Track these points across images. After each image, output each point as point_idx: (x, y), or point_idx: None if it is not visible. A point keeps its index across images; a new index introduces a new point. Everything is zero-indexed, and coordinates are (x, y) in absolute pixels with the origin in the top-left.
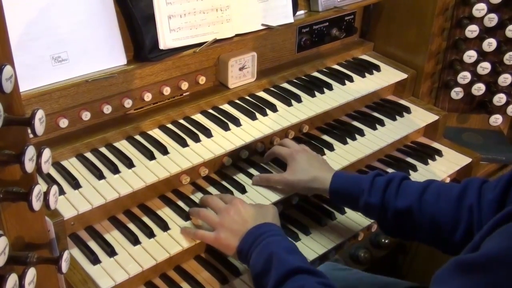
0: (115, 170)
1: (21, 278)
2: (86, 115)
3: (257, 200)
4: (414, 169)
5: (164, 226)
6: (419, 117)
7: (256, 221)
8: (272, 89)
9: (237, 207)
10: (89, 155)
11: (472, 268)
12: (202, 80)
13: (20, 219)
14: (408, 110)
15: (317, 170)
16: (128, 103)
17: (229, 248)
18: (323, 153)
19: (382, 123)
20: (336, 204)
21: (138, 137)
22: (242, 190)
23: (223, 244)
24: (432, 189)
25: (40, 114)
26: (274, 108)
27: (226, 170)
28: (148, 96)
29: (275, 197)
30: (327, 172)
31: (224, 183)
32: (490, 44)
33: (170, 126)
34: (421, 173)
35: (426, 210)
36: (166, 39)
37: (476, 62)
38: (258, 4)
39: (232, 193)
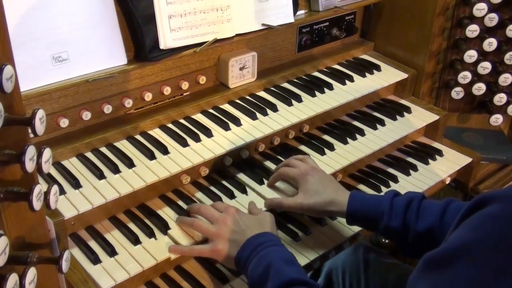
0: (115, 170)
1: (22, 277)
2: (86, 115)
3: (257, 201)
4: (415, 168)
5: (165, 226)
6: (420, 117)
7: (254, 230)
8: (272, 89)
9: (234, 217)
10: (89, 155)
11: (437, 263)
12: (202, 80)
13: (20, 219)
14: (408, 110)
15: (332, 192)
16: (128, 103)
17: (227, 258)
18: (323, 153)
19: (382, 123)
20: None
21: (138, 137)
22: (243, 190)
23: (221, 255)
24: (453, 210)
25: (40, 114)
26: (274, 108)
27: (227, 170)
28: (148, 96)
29: (275, 197)
30: (342, 194)
31: (224, 183)
32: (490, 44)
33: (170, 126)
34: (422, 173)
35: (448, 232)
36: (167, 39)
37: (477, 62)
38: (258, 4)
39: (232, 193)
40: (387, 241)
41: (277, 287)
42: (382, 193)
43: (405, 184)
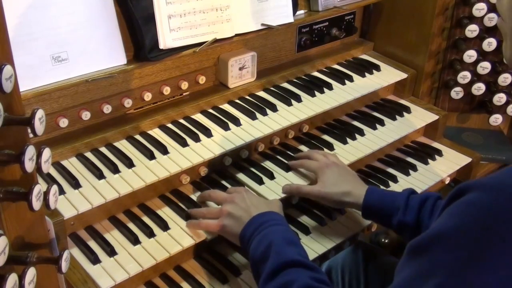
0: (115, 170)
1: (21, 277)
2: (86, 115)
3: None
4: (414, 169)
5: (164, 226)
6: (419, 117)
7: (260, 209)
8: (272, 88)
9: (242, 195)
10: (89, 154)
11: (418, 249)
12: (202, 79)
13: (20, 218)
14: (408, 110)
15: (349, 184)
16: (128, 102)
17: (232, 235)
18: None
19: (382, 123)
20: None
21: (138, 137)
22: None
23: (227, 231)
24: None
25: (40, 113)
26: (274, 108)
27: (226, 170)
28: (148, 96)
29: (275, 197)
30: (360, 187)
31: (224, 183)
32: (490, 44)
33: (170, 125)
34: (421, 173)
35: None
36: (166, 39)
37: (476, 62)
38: (258, 4)
39: None
40: (386, 240)
41: (276, 267)
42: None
43: (405, 184)
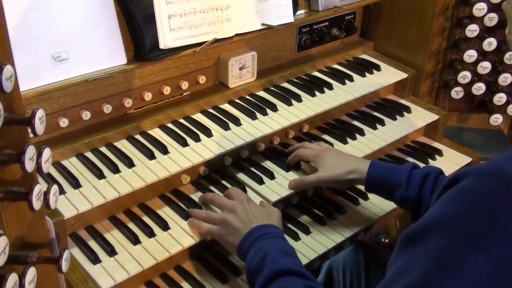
0: (115, 170)
1: (22, 277)
2: (86, 115)
3: (257, 200)
4: None
5: (164, 226)
6: (419, 116)
7: (260, 221)
8: (272, 88)
9: (243, 204)
10: (89, 154)
11: (412, 239)
12: (202, 79)
13: (20, 218)
14: (408, 110)
15: (351, 162)
16: (128, 102)
17: (230, 245)
18: None
19: (382, 123)
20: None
21: (138, 137)
22: (242, 190)
23: (225, 240)
24: None
25: (40, 113)
26: (274, 108)
27: (226, 169)
28: (148, 96)
29: (275, 196)
30: (362, 162)
31: (224, 182)
32: (490, 44)
33: (170, 125)
34: None
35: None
36: (166, 39)
37: (476, 62)
38: (258, 4)
39: None
40: (387, 240)
41: (270, 276)
42: None
43: None
